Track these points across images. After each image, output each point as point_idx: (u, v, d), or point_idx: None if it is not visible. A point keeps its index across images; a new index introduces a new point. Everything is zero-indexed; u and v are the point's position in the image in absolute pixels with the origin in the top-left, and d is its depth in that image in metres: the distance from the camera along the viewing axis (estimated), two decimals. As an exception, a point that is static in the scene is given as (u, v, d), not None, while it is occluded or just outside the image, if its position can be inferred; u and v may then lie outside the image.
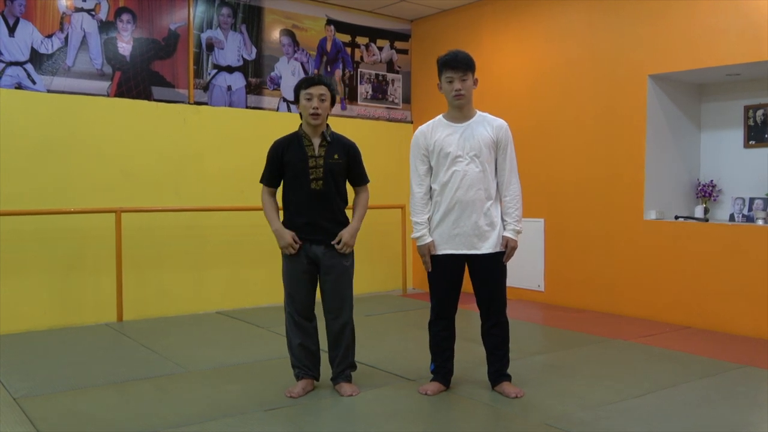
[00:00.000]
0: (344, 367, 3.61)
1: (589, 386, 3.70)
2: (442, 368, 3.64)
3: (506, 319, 3.57)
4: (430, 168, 3.54)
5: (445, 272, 3.53)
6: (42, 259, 5.49)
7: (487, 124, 3.52)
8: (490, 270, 3.51)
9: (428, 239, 3.50)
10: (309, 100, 3.45)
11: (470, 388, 3.65)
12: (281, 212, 3.62)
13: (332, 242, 3.49)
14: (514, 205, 3.51)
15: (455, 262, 3.51)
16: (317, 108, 3.44)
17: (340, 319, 3.55)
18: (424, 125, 3.60)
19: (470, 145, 3.46)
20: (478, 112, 3.57)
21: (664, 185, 5.76)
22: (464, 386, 3.68)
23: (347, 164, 3.57)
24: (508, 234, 3.50)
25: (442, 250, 3.50)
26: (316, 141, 3.51)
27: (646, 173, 5.65)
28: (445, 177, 3.47)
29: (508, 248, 3.50)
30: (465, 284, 3.59)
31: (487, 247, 3.47)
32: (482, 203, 3.46)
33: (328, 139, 3.53)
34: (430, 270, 3.56)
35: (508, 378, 3.59)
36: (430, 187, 3.55)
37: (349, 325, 3.58)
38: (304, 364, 3.58)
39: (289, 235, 3.47)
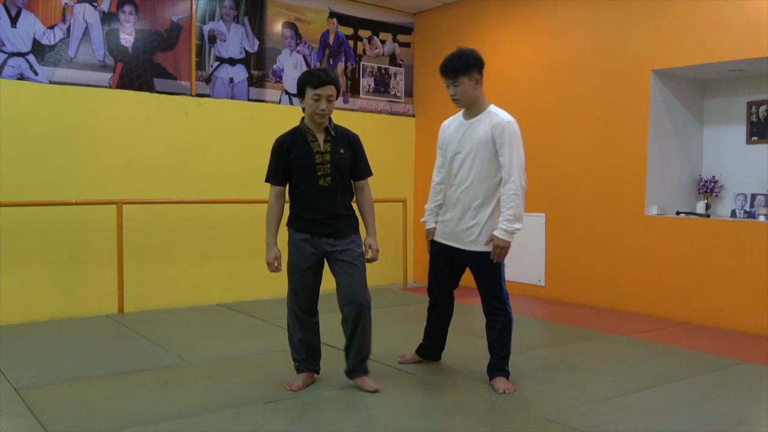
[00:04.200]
0: (364, 355, 3.49)
1: (589, 381, 3.71)
2: (424, 343, 3.94)
3: (506, 313, 3.57)
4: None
5: (438, 256, 3.74)
6: (44, 250, 5.49)
7: (488, 122, 3.49)
8: (477, 268, 3.59)
9: (430, 225, 3.76)
10: (317, 101, 3.34)
11: (471, 382, 3.66)
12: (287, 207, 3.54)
13: (365, 258, 3.48)
14: (507, 204, 3.39)
15: (449, 250, 3.66)
16: (325, 110, 3.36)
17: (358, 302, 3.40)
18: (449, 118, 3.74)
19: (469, 143, 3.50)
20: (490, 108, 3.54)
21: (666, 181, 5.75)
22: (465, 381, 3.69)
23: (353, 158, 3.49)
24: (495, 232, 3.42)
25: (438, 238, 3.73)
26: (321, 136, 3.43)
27: (648, 168, 5.64)
28: (447, 172, 3.64)
29: (492, 246, 3.44)
30: (467, 277, 3.67)
31: (472, 245, 3.53)
32: (470, 202, 3.49)
33: (333, 133, 3.45)
34: (428, 253, 3.81)
35: (505, 373, 3.57)
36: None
37: (366, 308, 3.43)
38: (305, 358, 3.57)
39: (274, 255, 3.44)
